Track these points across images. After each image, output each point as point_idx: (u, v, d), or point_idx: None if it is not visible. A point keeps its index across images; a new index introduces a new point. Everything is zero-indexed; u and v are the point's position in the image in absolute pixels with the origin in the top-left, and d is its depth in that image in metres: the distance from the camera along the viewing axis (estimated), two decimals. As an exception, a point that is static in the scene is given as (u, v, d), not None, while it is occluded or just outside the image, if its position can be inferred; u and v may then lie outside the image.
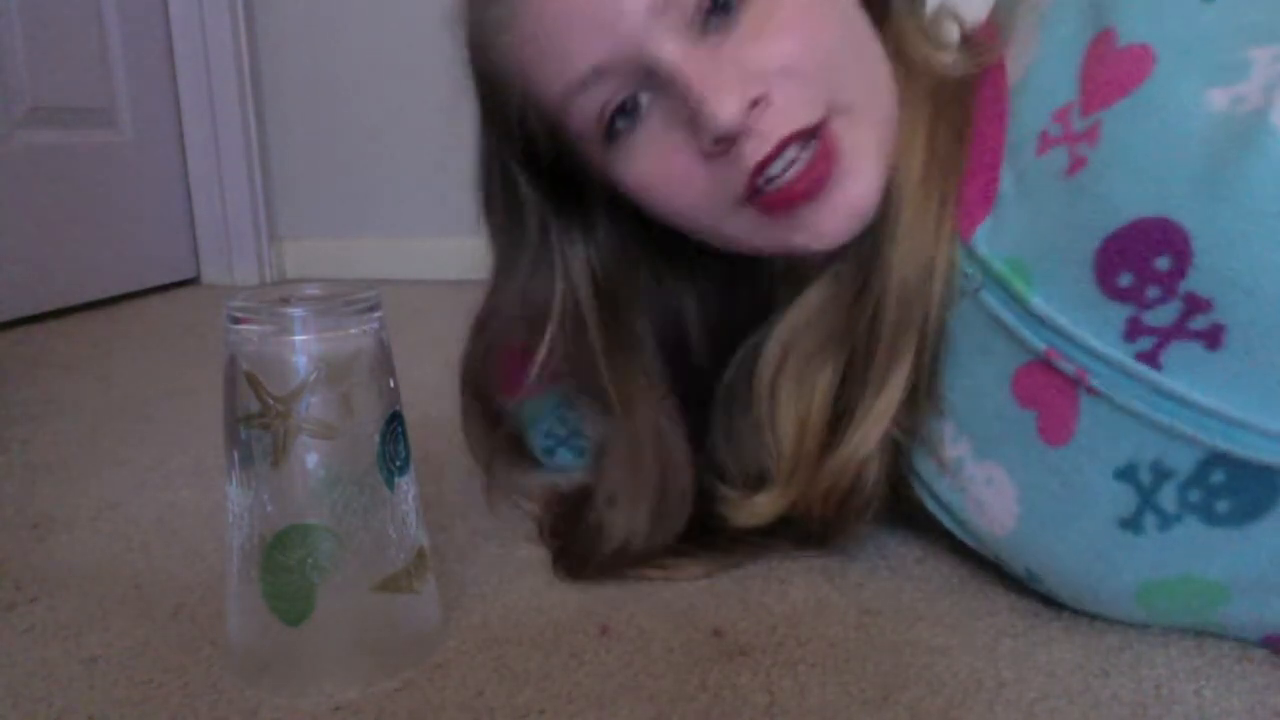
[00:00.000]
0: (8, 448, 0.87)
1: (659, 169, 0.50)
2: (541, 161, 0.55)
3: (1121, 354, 0.43)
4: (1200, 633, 0.49)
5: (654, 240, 0.58)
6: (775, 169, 0.47)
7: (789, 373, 0.54)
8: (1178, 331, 0.41)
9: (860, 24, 0.51)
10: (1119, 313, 0.43)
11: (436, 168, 1.87)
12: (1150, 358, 0.42)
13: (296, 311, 0.44)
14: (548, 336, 0.57)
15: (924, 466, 0.53)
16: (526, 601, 0.55)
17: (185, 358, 1.24)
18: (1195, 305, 0.40)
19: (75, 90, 1.60)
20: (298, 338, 0.43)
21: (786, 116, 0.47)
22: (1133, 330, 0.42)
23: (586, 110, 0.50)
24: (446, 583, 0.56)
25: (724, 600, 0.54)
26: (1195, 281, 0.40)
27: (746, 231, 0.51)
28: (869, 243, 0.50)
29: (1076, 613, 0.51)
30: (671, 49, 0.47)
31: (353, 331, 0.45)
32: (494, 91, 0.54)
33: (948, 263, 0.49)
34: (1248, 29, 0.41)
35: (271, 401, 0.43)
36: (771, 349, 0.55)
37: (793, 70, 0.47)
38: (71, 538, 0.66)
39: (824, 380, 0.53)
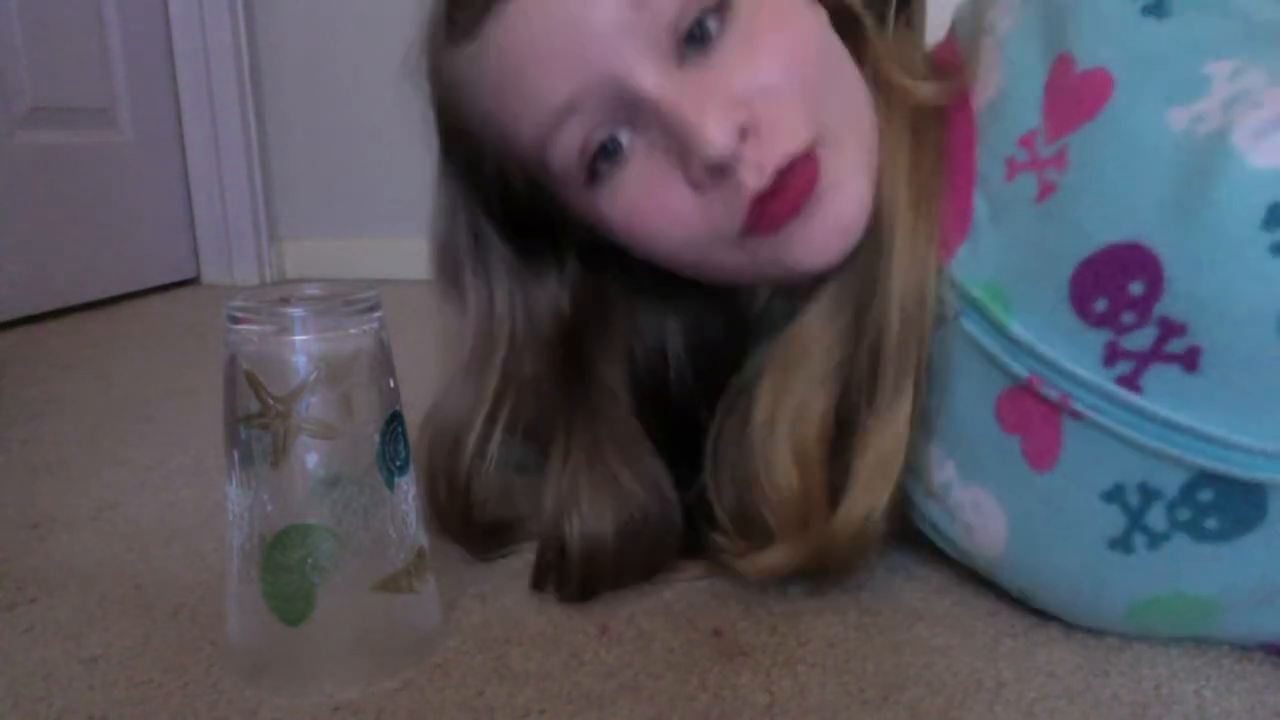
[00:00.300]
0: (8, 448, 0.87)
1: (648, 206, 0.49)
2: (513, 209, 0.54)
3: (1102, 379, 0.43)
4: (1200, 633, 0.49)
5: (630, 273, 0.57)
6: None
7: (784, 412, 0.51)
8: (1155, 356, 0.41)
9: (837, 49, 0.50)
10: (1096, 338, 0.43)
11: (437, 168, 1.88)
12: (1130, 382, 0.42)
13: (296, 311, 0.43)
14: (497, 379, 0.56)
15: (914, 490, 0.52)
16: (526, 601, 0.55)
17: (185, 358, 1.24)
18: (1170, 329, 0.40)
19: (75, 90, 1.60)
20: (298, 338, 0.43)
21: (776, 143, 0.46)
22: (1111, 355, 0.42)
23: (567, 149, 0.49)
24: (446, 583, 0.56)
25: (724, 600, 0.54)
26: (1168, 306, 0.40)
27: (739, 260, 0.50)
28: (862, 269, 0.49)
29: (1076, 613, 0.51)
30: (651, 79, 0.45)
31: (353, 331, 0.45)
32: (466, 146, 0.53)
33: (934, 288, 0.48)
34: (1202, 44, 0.42)
35: (271, 401, 0.43)
36: (765, 388, 0.53)
37: (775, 92, 0.46)
38: (71, 538, 0.66)
39: (819, 416, 0.51)
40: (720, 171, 0.46)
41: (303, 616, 0.45)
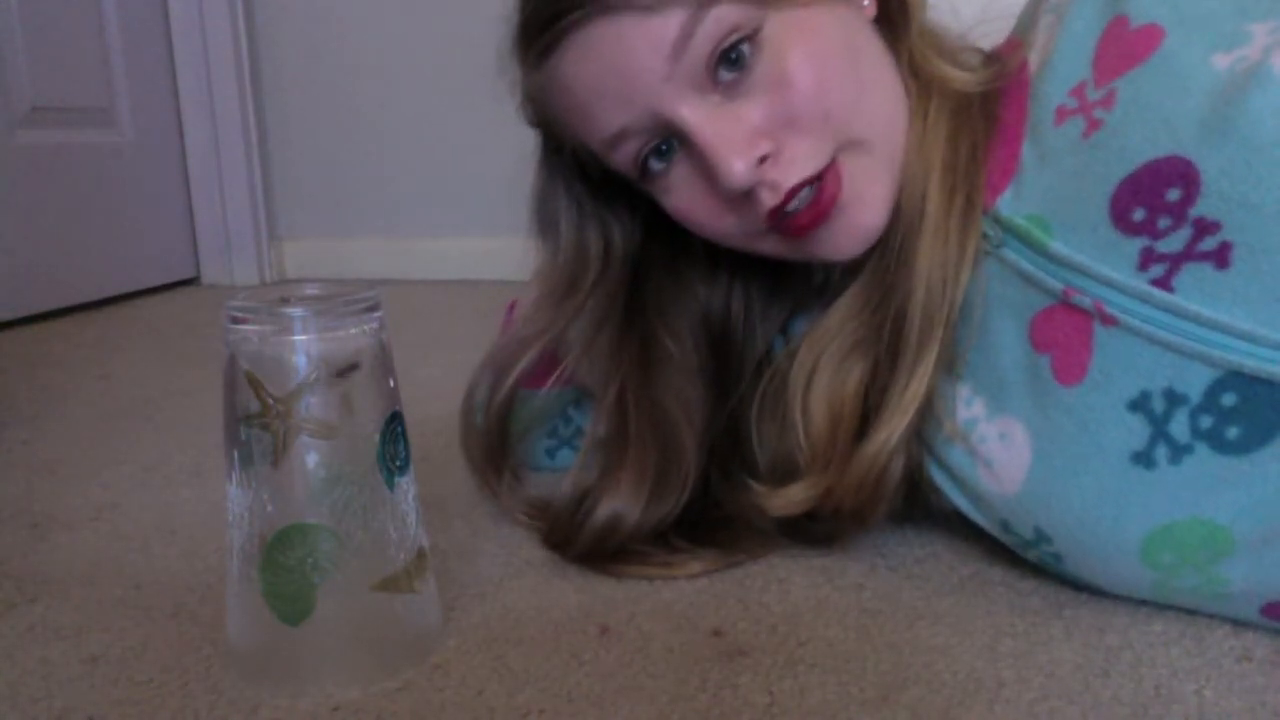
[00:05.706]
0: (8, 448, 0.87)
1: (690, 206, 0.55)
2: (595, 173, 0.61)
3: (1136, 281, 0.45)
4: (1200, 634, 0.49)
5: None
6: (788, 208, 0.51)
7: (822, 371, 0.57)
8: (1188, 255, 0.44)
9: (870, 52, 0.53)
10: (1133, 245, 0.45)
11: (437, 167, 1.88)
12: (1163, 283, 0.44)
13: (296, 311, 0.44)
14: (577, 299, 0.62)
15: (934, 437, 0.54)
16: (526, 601, 0.55)
17: (185, 358, 1.24)
18: (1204, 228, 0.43)
19: (75, 90, 1.60)
20: (298, 338, 0.43)
21: (794, 168, 0.50)
22: (1146, 260, 0.45)
23: (624, 156, 0.55)
24: (446, 583, 0.56)
25: (724, 600, 0.55)
26: (1204, 206, 0.43)
27: (775, 248, 0.56)
28: (896, 248, 0.54)
29: (1076, 612, 0.51)
30: (687, 112, 0.51)
31: (353, 331, 0.45)
32: (549, 132, 0.60)
33: (975, 254, 0.51)
34: (1247, 9, 0.46)
35: (271, 401, 0.43)
36: (805, 352, 0.58)
37: (799, 123, 0.50)
38: (71, 538, 0.66)
39: (855, 376, 0.56)
40: (742, 195, 0.51)
41: (303, 616, 0.45)
